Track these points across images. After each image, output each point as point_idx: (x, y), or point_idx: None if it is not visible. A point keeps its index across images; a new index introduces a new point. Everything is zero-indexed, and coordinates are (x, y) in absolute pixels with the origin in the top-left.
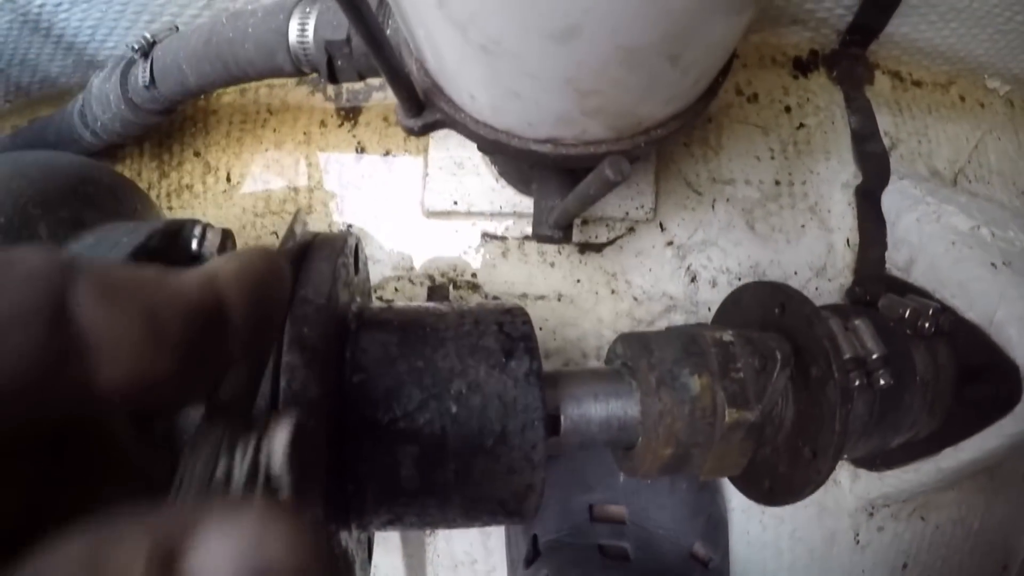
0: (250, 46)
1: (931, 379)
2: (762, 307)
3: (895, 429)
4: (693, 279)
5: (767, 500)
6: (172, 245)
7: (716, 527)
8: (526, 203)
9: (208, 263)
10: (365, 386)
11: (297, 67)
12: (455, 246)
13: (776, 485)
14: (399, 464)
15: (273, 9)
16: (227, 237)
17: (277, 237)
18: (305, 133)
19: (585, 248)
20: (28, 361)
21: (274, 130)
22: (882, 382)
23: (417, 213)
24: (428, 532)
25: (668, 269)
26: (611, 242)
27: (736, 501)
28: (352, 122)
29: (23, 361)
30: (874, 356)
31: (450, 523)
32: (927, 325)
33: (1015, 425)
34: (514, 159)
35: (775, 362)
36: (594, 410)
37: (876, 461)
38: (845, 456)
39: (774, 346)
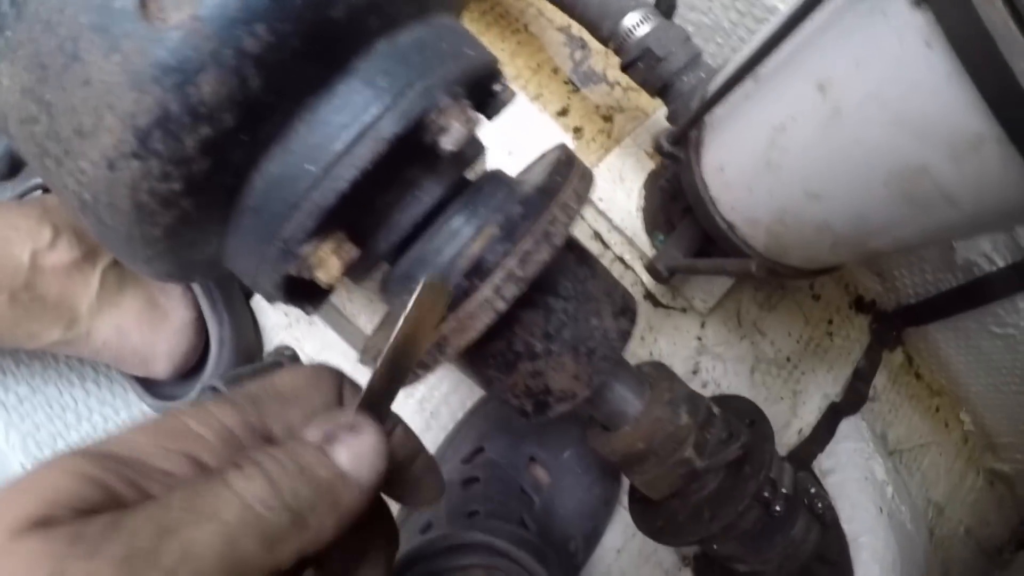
0: None
1: (798, 541)
2: (739, 413)
3: (755, 553)
4: (696, 372)
5: (654, 534)
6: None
7: (593, 537)
8: (641, 242)
9: None
10: None
11: (608, 38)
12: None
13: (668, 527)
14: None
15: None
16: None
17: None
18: (538, 64)
19: (646, 296)
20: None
21: (518, 43)
22: (778, 508)
23: None
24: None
25: (684, 354)
26: (665, 306)
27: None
28: (575, 90)
29: None
30: (783, 490)
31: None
32: (820, 507)
33: None
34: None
35: (738, 440)
36: (619, 382)
37: None
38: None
39: (743, 431)
